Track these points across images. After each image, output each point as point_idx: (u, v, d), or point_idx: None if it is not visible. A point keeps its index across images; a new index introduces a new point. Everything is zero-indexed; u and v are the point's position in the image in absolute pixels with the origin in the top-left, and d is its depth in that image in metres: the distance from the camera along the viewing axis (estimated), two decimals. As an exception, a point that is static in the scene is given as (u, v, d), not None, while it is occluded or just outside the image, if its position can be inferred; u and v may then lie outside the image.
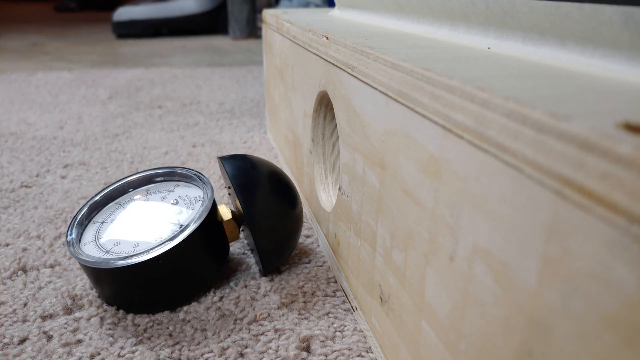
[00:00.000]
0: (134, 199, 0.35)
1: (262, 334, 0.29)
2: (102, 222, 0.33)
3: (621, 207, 0.10)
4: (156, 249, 0.29)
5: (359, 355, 0.27)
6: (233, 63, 1.19)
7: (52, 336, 0.28)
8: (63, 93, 0.86)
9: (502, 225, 0.15)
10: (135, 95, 0.85)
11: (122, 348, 0.27)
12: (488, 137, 0.15)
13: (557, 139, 0.12)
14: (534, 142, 0.13)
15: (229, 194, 0.40)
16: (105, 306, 0.31)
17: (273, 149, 0.59)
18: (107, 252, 0.30)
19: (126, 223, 0.33)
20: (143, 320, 0.30)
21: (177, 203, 0.34)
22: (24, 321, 0.30)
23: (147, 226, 0.32)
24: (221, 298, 0.32)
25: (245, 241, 0.39)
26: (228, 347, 0.28)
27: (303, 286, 0.33)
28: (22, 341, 0.28)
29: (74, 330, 0.29)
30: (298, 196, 0.34)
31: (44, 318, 0.30)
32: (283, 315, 0.30)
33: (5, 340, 0.28)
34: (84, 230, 0.33)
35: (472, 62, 0.20)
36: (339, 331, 0.29)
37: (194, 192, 0.34)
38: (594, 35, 0.19)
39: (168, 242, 0.29)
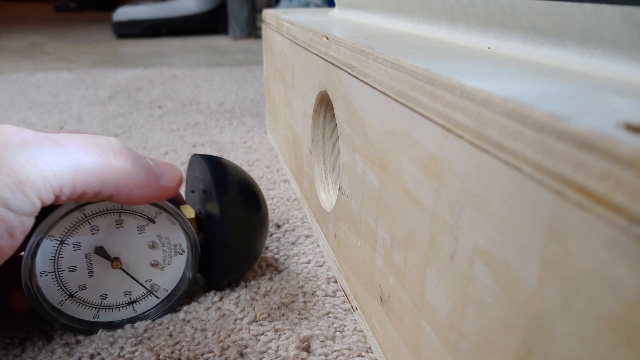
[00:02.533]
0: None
1: (262, 334, 0.29)
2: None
3: (621, 207, 0.10)
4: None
5: (359, 355, 0.27)
6: (233, 63, 1.19)
7: (52, 336, 0.28)
8: (63, 93, 0.86)
9: (502, 225, 0.15)
10: (135, 95, 0.85)
11: (122, 348, 0.27)
12: (488, 137, 0.15)
13: (557, 139, 0.12)
14: (534, 142, 0.13)
15: (192, 193, 0.35)
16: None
17: (273, 149, 0.59)
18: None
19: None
20: (143, 320, 0.30)
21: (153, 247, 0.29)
22: (24, 321, 0.30)
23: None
24: (221, 298, 0.32)
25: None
26: (228, 347, 0.28)
27: (303, 286, 0.33)
28: (23, 341, 0.28)
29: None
30: (267, 216, 0.33)
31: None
32: (283, 315, 0.30)
33: (7, 341, 0.28)
34: None
35: (472, 62, 0.20)
36: (339, 331, 0.29)
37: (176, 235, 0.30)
38: (594, 35, 0.19)
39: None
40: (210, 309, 0.31)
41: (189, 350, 0.28)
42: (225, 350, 0.28)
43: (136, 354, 0.27)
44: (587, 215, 0.11)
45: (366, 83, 0.25)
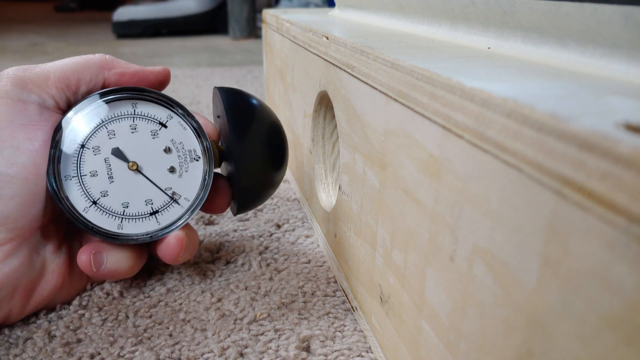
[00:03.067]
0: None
1: (262, 334, 0.29)
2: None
3: (621, 207, 0.10)
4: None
5: (359, 355, 0.27)
6: (233, 63, 1.19)
7: (53, 336, 0.28)
8: (63, 93, 0.86)
9: (502, 225, 0.15)
10: (135, 95, 0.85)
11: (122, 348, 0.27)
12: (488, 137, 0.15)
13: (557, 139, 0.12)
14: (534, 142, 0.13)
15: (218, 118, 0.36)
16: (105, 306, 0.31)
17: (273, 149, 0.59)
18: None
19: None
20: (143, 320, 0.30)
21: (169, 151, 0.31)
22: (25, 321, 0.30)
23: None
24: (220, 299, 0.32)
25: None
26: (228, 347, 0.28)
27: (303, 286, 0.33)
28: (24, 341, 0.28)
29: (75, 330, 0.29)
30: (287, 153, 0.34)
31: (46, 317, 0.30)
32: (283, 315, 0.30)
33: (7, 341, 0.28)
34: None
35: (472, 62, 0.20)
36: (339, 331, 0.29)
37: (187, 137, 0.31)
38: (594, 35, 0.19)
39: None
40: (210, 309, 0.31)
41: (189, 350, 0.28)
42: (225, 350, 0.28)
43: (136, 354, 0.27)
44: (587, 215, 0.11)
45: (366, 83, 0.25)
